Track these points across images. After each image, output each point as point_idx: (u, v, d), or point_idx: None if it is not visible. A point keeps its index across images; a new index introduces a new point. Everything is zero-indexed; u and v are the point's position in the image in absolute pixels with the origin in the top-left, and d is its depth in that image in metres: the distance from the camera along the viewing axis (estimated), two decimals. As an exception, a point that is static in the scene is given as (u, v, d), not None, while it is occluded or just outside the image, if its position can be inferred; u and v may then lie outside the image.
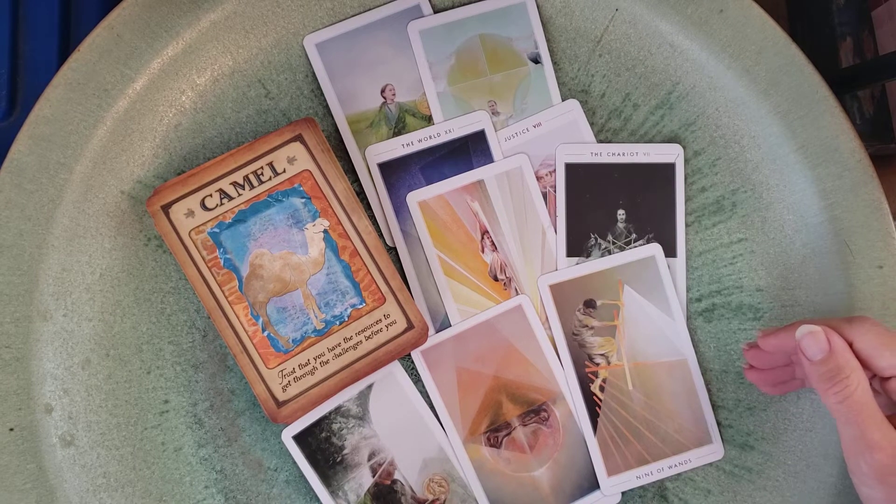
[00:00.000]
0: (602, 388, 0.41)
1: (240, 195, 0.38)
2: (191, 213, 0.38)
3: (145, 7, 0.39)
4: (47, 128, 0.39)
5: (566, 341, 0.41)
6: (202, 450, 0.40)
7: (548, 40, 0.42)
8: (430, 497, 0.40)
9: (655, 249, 0.42)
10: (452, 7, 0.42)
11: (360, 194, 0.42)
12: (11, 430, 0.38)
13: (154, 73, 0.40)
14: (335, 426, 0.40)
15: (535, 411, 0.41)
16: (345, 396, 0.40)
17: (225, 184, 0.38)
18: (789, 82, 0.41)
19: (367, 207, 0.42)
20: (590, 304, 0.41)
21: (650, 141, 0.43)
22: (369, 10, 0.42)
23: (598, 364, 0.41)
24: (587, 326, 0.41)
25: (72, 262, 0.39)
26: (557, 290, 0.41)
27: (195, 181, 0.38)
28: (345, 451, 0.40)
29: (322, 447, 0.40)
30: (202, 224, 0.38)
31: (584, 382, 0.41)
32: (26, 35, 0.44)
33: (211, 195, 0.38)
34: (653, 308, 0.42)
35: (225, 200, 0.38)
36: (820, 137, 0.41)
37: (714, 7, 0.41)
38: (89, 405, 0.39)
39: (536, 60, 0.42)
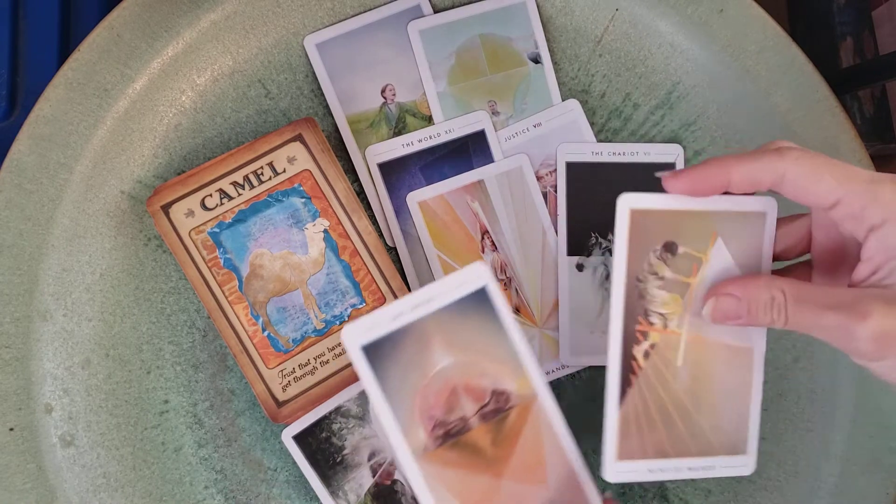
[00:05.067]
0: (647, 355, 0.34)
1: (240, 195, 0.38)
2: (191, 213, 0.38)
3: (145, 7, 0.39)
4: (47, 128, 0.39)
5: (625, 285, 0.33)
6: (202, 450, 0.40)
7: (548, 40, 0.42)
8: None
9: (769, 205, 0.33)
10: (452, 7, 0.42)
11: (360, 194, 0.42)
12: (11, 429, 0.38)
13: (154, 73, 0.40)
14: (335, 426, 0.40)
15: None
16: (345, 396, 0.40)
17: (225, 183, 0.38)
18: (790, 82, 0.41)
19: (367, 207, 0.42)
20: (669, 248, 0.33)
21: (650, 141, 0.43)
22: (369, 10, 0.42)
23: (652, 324, 0.34)
24: (656, 274, 0.33)
25: (72, 262, 0.39)
26: (639, 219, 0.33)
27: (195, 181, 0.38)
28: (345, 452, 0.40)
29: (322, 447, 0.40)
30: (202, 224, 0.38)
31: (629, 341, 0.33)
32: (26, 35, 0.44)
33: (211, 195, 0.38)
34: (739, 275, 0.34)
35: (225, 200, 0.38)
36: (820, 137, 0.41)
37: (714, 7, 0.41)
38: (89, 405, 0.39)
39: (536, 60, 0.42)
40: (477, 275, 0.32)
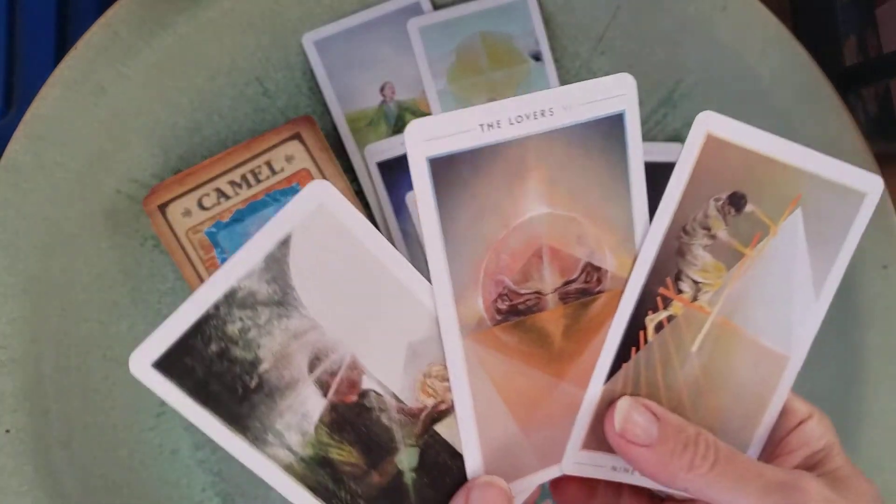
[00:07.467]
0: (659, 328, 0.26)
1: (237, 194, 0.38)
2: (188, 213, 0.38)
3: (142, 4, 0.39)
4: (44, 126, 0.38)
5: (665, 233, 0.26)
6: (199, 452, 0.40)
7: (549, 37, 0.42)
8: (430, 401, 0.25)
9: (875, 186, 0.26)
10: (453, 4, 0.42)
11: (359, 193, 0.41)
12: (8, 431, 0.38)
13: (151, 71, 0.40)
14: (231, 328, 0.23)
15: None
16: (240, 271, 0.23)
17: (222, 183, 0.38)
18: (793, 80, 0.41)
19: (366, 207, 0.41)
20: (736, 202, 0.26)
21: (653, 139, 0.42)
22: (369, 7, 0.41)
23: (681, 291, 0.26)
24: (709, 231, 0.26)
25: (68, 261, 0.39)
26: (713, 149, 0.25)
27: (192, 180, 0.38)
28: (261, 369, 0.23)
29: (216, 371, 0.23)
30: (199, 223, 0.38)
31: (643, 306, 0.26)
32: (23, 33, 0.44)
33: (208, 194, 0.38)
34: (806, 266, 0.27)
35: (222, 200, 0.38)
36: (823, 136, 0.41)
37: (717, 4, 0.41)
38: (86, 407, 0.39)
39: (537, 58, 0.42)
40: (618, 91, 0.22)
